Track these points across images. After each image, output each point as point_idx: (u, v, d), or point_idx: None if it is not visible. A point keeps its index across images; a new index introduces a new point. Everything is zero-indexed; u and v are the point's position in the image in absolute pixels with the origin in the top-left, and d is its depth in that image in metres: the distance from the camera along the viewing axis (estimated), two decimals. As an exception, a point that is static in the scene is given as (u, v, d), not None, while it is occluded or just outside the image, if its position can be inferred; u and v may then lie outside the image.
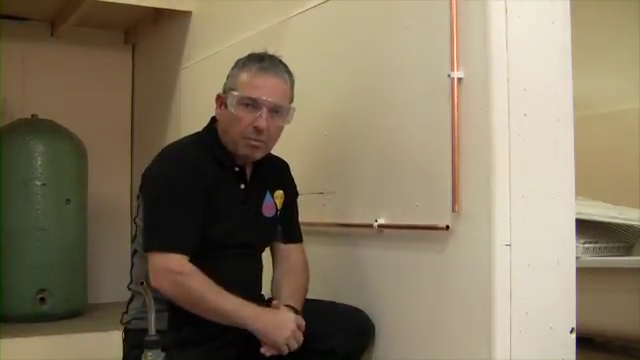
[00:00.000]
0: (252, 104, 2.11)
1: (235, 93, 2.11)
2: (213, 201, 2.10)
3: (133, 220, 2.22)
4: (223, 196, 2.14)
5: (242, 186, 2.20)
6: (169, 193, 2.07)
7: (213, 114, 2.22)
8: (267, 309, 2.08)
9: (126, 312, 2.19)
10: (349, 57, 2.51)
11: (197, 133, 2.26)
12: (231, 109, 2.11)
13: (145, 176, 2.17)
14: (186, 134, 2.28)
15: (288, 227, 2.33)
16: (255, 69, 2.13)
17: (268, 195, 2.26)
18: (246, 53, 2.21)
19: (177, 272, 2.00)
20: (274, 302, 2.16)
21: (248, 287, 2.20)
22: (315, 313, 2.14)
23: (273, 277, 2.30)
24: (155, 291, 1.97)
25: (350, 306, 2.28)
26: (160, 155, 2.19)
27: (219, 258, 2.11)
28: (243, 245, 2.20)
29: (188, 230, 2.05)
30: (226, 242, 2.14)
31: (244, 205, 2.19)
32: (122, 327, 2.20)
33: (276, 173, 2.28)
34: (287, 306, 2.13)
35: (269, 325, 2.02)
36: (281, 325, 2.03)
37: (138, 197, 2.18)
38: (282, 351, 2.02)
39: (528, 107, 1.95)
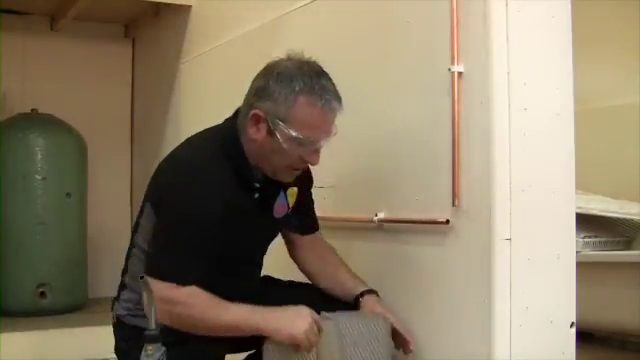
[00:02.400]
0: (309, 142, 1.93)
1: (292, 132, 1.89)
2: (230, 222, 1.97)
3: (137, 219, 2.10)
4: (239, 214, 2.00)
5: (256, 195, 2.04)
6: (184, 224, 1.91)
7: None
8: (275, 308, 1.93)
9: (117, 300, 2.12)
10: (349, 51, 2.50)
11: (219, 138, 2.02)
12: (282, 144, 1.90)
13: (163, 189, 1.98)
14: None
15: (305, 219, 2.25)
16: (320, 106, 1.90)
17: (282, 195, 2.12)
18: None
19: (174, 303, 1.86)
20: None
21: (249, 289, 2.18)
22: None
23: (304, 267, 2.25)
24: None
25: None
26: (183, 167, 1.97)
27: (226, 270, 2.02)
28: (251, 254, 2.16)
29: (192, 265, 1.91)
30: (236, 256, 2.06)
31: (255, 214, 2.07)
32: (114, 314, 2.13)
33: None
34: (368, 292, 2.12)
35: (282, 322, 1.89)
36: (295, 319, 1.90)
37: (145, 203, 2.04)
38: (304, 346, 1.89)
39: (528, 101, 1.95)
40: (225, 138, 2.01)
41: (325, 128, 1.94)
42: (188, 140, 2.08)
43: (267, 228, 2.17)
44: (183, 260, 1.91)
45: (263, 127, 1.92)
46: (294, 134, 1.89)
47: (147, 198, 2.05)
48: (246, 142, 1.98)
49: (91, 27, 4.70)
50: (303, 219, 2.24)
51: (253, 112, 1.93)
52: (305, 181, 2.20)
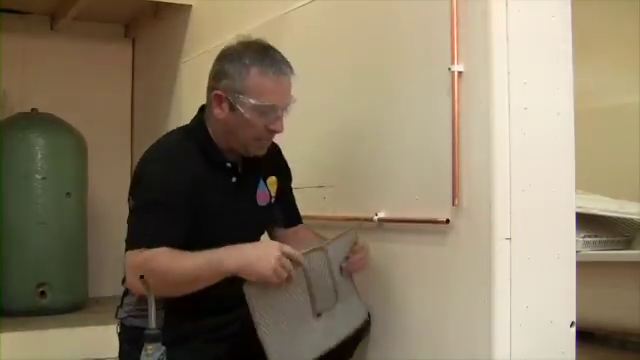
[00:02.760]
0: (269, 110, 2.04)
1: (252, 101, 2.01)
2: (205, 202, 2.04)
3: (127, 221, 2.17)
4: (215, 194, 2.07)
5: (233, 179, 2.13)
6: (151, 199, 1.99)
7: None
8: (241, 244, 1.94)
9: (121, 306, 2.17)
10: (350, 50, 2.50)
11: (185, 129, 2.18)
12: (245, 115, 2.02)
13: (135, 180, 2.09)
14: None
15: (289, 212, 2.33)
16: (272, 73, 2.03)
17: (261, 183, 2.21)
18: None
19: (141, 267, 1.86)
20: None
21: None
22: None
23: None
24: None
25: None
26: (150, 156, 2.11)
27: None
28: (239, 240, 2.18)
29: (161, 233, 1.95)
30: (222, 240, 2.04)
31: (236, 199, 2.14)
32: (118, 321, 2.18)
33: (268, 159, 2.19)
34: None
35: (249, 259, 1.89)
36: (262, 255, 1.89)
37: (129, 199, 2.11)
38: (273, 282, 1.89)
39: (528, 101, 1.95)
40: (192, 129, 2.16)
41: (281, 93, 2.05)
42: (158, 138, 2.19)
43: (254, 216, 2.21)
44: (151, 229, 1.97)
45: (225, 105, 2.05)
46: (253, 102, 2.01)
47: (129, 199, 2.12)
48: (213, 125, 2.10)
49: (91, 27, 4.70)
50: (286, 212, 2.32)
51: (214, 93, 2.06)
52: (283, 171, 2.31)
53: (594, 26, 4.00)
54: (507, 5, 1.93)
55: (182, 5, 4.05)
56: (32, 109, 4.08)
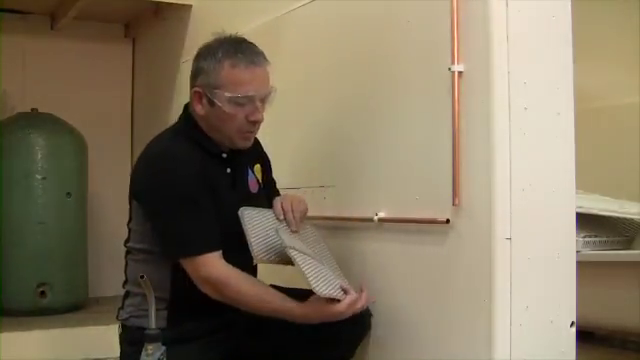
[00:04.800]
0: (247, 101, 2.08)
1: (227, 94, 2.05)
2: (211, 194, 2.08)
3: (127, 224, 2.18)
4: (218, 185, 2.12)
5: (228, 170, 2.18)
6: (179, 196, 2.02)
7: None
8: (309, 306, 1.99)
9: (122, 308, 2.17)
10: (350, 51, 2.50)
11: (175, 127, 2.23)
12: (223, 108, 2.06)
13: (145, 185, 2.10)
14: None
15: (274, 196, 2.38)
16: (244, 65, 2.06)
17: (249, 172, 2.27)
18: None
19: (221, 283, 1.99)
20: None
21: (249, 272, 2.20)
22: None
23: None
24: (155, 289, 1.95)
25: None
26: (152, 159, 2.14)
27: (226, 251, 2.07)
28: (239, 229, 2.21)
29: (211, 226, 2.04)
30: (228, 230, 2.11)
31: (234, 189, 2.18)
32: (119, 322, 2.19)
33: (250, 148, 2.23)
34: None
35: (320, 319, 1.99)
36: (331, 317, 1.98)
37: (131, 202, 2.13)
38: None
39: (529, 100, 1.95)
40: (182, 126, 2.21)
41: (256, 84, 2.08)
42: (150, 140, 2.24)
43: (250, 204, 2.22)
44: (202, 228, 2.03)
45: (205, 101, 2.11)
46: (229, 95, 2.05)
47: (131, 198, 2.15)
48: (199, 122, 2.15)
49: (91, 27, 4.69)
50: (272, 197, 2.36)
51: (193, 91, 2.12)
52: (264, 158, 2.38)
53: (594, 26, 4.00)
54: (507, 5, 1.93)
55: (182, 5, 4.05)
56: (32, 109, 4.07)
